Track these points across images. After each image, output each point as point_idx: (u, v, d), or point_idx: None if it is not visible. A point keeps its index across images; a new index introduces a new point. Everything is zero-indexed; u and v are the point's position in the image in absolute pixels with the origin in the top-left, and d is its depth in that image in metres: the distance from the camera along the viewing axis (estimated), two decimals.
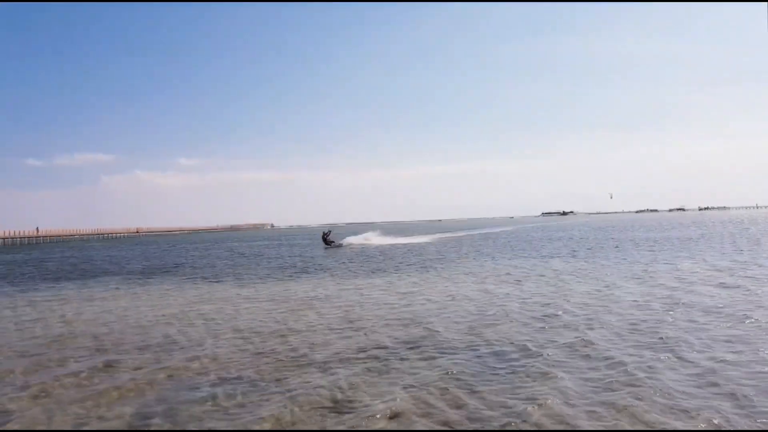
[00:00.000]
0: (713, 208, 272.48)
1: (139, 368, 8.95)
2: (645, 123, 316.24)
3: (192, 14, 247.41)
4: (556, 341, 9.71)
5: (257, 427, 6.26)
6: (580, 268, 21.78)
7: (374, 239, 50.12)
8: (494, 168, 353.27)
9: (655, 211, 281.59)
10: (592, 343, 9.39)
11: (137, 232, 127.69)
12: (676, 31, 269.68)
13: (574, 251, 31.37)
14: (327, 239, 45.34)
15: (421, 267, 24.91)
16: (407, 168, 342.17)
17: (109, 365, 9.19)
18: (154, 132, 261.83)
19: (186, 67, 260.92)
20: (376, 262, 28.67)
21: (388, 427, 6.19)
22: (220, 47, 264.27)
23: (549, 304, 13.61)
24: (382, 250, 37.13)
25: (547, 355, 8.78)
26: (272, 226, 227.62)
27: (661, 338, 9.59)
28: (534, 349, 9.19)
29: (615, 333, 10.19)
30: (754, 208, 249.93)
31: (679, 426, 5.90)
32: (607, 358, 8.49)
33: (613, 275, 19.09)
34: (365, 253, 35.21)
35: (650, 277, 18.29)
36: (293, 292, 17.62)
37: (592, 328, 10.61)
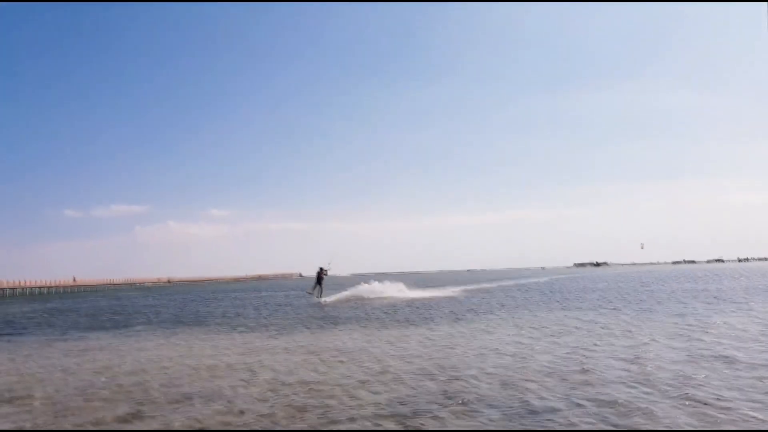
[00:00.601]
0: (753, 258, 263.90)
1: (170, 420, 8.79)
2: (680, 173, 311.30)
3: (217, 68, 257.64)
4: (599, 398, 9.26)
5: None
6: (622, 321, 21.07)
7: (393, 289, 43.21)
8: (524, 218, 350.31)
9: (693, 262, 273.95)
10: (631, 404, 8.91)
11: (168, 281, 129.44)
12: (714, 84, 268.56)
13: (610, 302, 30.50)
14: (321, 276, 39.08)
15: (455, 318, 24.41)
16: (435, 217, 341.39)
17: (138, 416, 9.06)
18: (186, 183, 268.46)
19: (217, 119, 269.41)
20: (404, 313, 28.25)
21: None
22: (248, 102, 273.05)
23: (589, 358, 13.09)
24: (410, 302, 36.61)
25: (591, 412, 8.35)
26: (300, 275, 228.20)
27: (691, 397, 9.06)
28: (565, 407, 8.77)
29: (659, 391, 9.68)
30: None
31: None
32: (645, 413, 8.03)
33: (657, 329, 18.38)
34: (393, 305, 34.81)
35: (701, 329, 17.54)
36: (324, 342, 17.39)
37: (634, 386, 10.11)
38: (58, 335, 22.55)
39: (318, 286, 39.23)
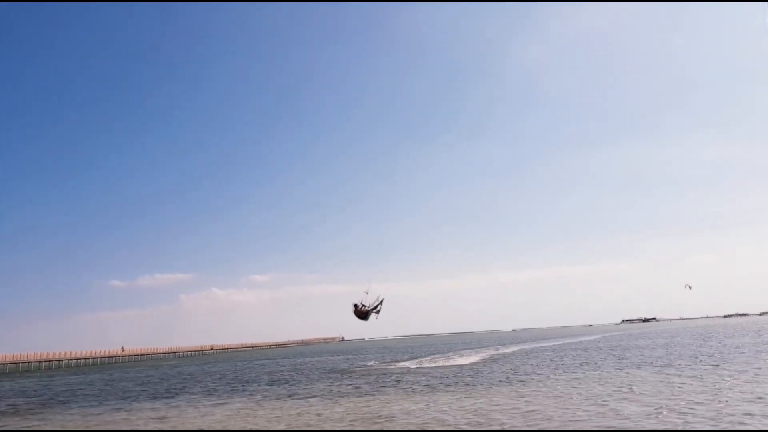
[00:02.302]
0: None
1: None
2: (727, 225, 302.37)
3: (255, 137, 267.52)
4: None
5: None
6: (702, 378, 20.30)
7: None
8: (568, 273, 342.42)
9: (745, 315, 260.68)
10: None
11: (211, 349, 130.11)
12: (760, 135, 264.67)
13: (677, 359, 29.39)
14: (362, 312, 32.48)
15: (506, 381, 23.88)
16: (476, 276, 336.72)
17: None
18: (229, 250, 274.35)
19: (256, 187, 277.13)
20: (451, 377, 27.75)
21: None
22: (286, 169, 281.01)
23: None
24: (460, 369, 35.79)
25: None
26: (342, 339, 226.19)
27: None
28: None
29: None
30: None
31: None
32: None
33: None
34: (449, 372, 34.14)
35: None
36: (374, 409, 17.30)
37: None
38: (109, 405, 22.93)
39: (369, 315, 31.92)
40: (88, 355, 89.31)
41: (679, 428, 5.93)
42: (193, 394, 26.58)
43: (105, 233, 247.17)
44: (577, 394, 18.03)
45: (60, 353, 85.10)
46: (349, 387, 25.00)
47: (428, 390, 21.83)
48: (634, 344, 51.27)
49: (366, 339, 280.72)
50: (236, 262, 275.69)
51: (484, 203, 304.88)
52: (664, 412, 13.39)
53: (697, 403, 14.78)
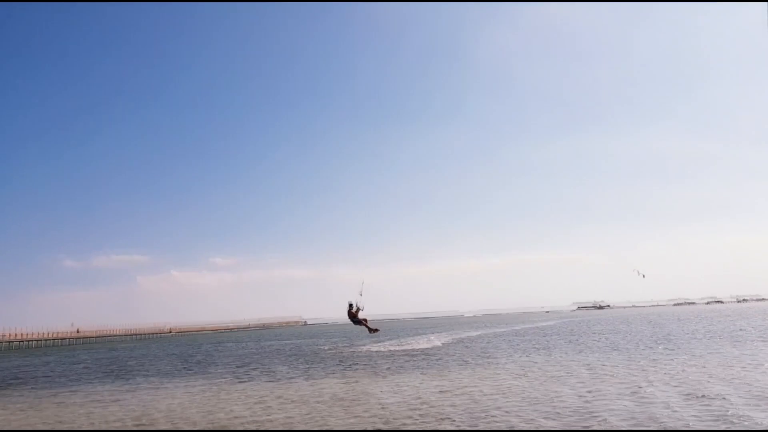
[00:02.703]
0: (750, 299, 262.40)
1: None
2: (679, 215, 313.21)
3: (218, 118, 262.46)
4: None
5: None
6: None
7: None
8: (523, 261, 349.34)
9: (693, 303, 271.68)
10: None
11: (170, 331, 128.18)
12: (711, 129, 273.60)
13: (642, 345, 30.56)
14: (355, 316, 30.79)
15: (472, 362, 24.47)
16: (436, 262, 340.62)
17: None
18: (189, 232, 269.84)
19: (218, 167, 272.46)
20: (416, 360, 28.24)
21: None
22: (249, 150, 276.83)
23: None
24: (425, 350, 36.40)
25: None
26: (305, 322, 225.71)
27: None
28: None
29: None
30: None
31: None
32: None
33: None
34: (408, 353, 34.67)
35: None
36: (336, 391, 17.51)
37: None
38: (62, 387, 22.54)
39: (361, 324, 30.67)
40: (41, 336, 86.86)
41: (679, 428, 6.32)
42: (151, 375, 26.32)
43: (58, 211, 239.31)
44: (551, 376, 18.65)
45: (11, 334, 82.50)
46: (311, 369, 25.17)
47: (391, 372, 22.21)
48: (594, 329, 52.93)
49: (329, 323, 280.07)
50: (196, 245, 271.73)
51: (450, 190, 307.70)
52: (646, 389, 14.06)
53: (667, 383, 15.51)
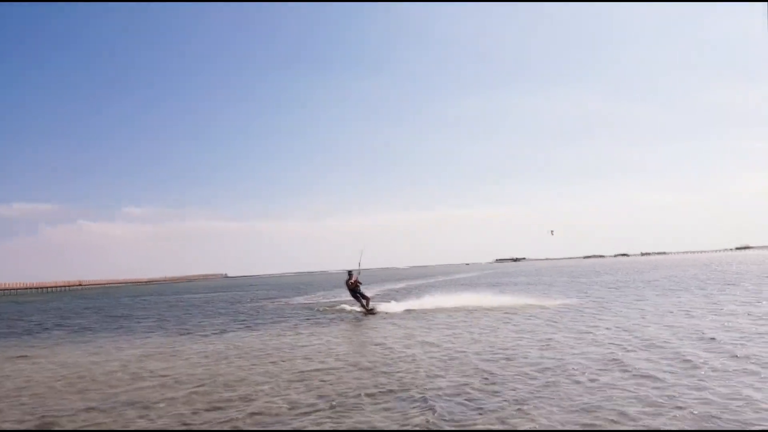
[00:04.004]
0: (653, 253, 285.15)
1: (82, 429, 8.02)
2: (591, 174, 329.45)
3: (135, 63, 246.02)
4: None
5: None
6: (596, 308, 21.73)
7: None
8: (451, 216, 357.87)
9: (602, 256, 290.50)
10: None
11: (79, 284, 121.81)
12: (622, 91, 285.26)
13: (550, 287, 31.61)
14: (355, 287, 26.18)
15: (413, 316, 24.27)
16: (363, 216, 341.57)
17: (46, 427, 8.22)
18: (100, 179, 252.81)
19: (134, 111, 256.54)
20: (346, 312, 27.88)
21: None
22: (170, 94, 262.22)
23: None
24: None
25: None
26: (226, 275, 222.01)
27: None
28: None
29: None
30: (690, 253, 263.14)
31: None
32: None
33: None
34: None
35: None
36: (249, 341, 16.78)
37: None
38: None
39: (360, 299, 26.29)
40: None
41: (679, 428, 6.05)
42: (63, 328, 24.45)
43: None
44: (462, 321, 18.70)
45: None
46: (231, 322, 24.24)
47: (315, 324, 21.71)
48: (511, 281, 54.82)
49: (253, 275, 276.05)
50: (108, 193, 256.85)
51: (376, 143, 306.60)
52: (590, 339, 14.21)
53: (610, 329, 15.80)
